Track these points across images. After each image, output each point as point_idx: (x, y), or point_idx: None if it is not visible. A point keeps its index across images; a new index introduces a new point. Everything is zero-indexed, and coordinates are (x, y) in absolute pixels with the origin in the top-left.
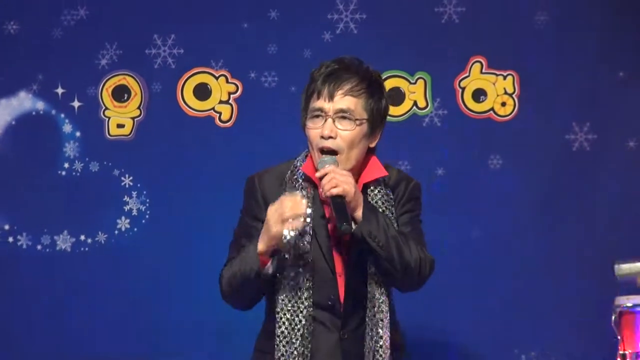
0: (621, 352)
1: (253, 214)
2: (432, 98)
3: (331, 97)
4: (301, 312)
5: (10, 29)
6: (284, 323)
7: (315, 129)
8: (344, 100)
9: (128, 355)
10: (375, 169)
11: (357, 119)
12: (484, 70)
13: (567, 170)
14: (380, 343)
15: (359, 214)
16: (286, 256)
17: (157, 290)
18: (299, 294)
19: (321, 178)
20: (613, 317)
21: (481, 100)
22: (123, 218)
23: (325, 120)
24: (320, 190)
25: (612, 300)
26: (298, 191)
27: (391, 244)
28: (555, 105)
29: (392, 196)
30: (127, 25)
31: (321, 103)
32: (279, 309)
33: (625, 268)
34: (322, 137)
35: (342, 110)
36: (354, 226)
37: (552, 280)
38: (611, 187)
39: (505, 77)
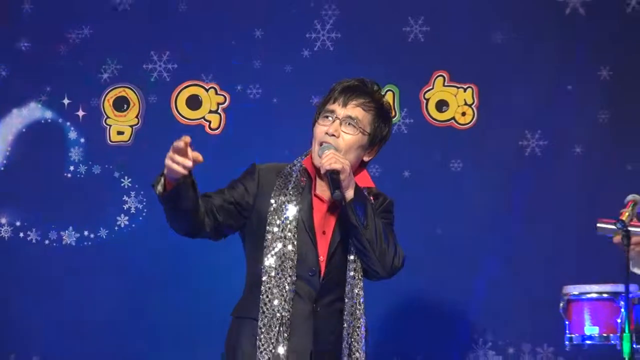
0: (568, 335)
1: (244, 182)
2: (399, 108)
3: (345, 105)
4: (286, 280)
5: (22, 47)
6: (269, 289)
7: (323, 126)
8: (355, 110)
9: (125, 339)
10: (365, 179)
11: (360, 128)
12: (446, 84)
13: (520, 173)
14: (359, 324)
15: (350, 193)
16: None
17: (153, 280)
18: (285, 264)
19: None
20: (561, 304)
21: (443, 110)
22: (122, 215)
23: (334, 121)
24: (320, 166)
25: (560, 289)
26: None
27: (374, 227)
28: (510, 114)
29: (374, 203)
30: (126, 42)
31: (335, 107)
32: (265, 278)
33: (603, 227)
34: (326, 133)
35: (350, 117)
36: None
37: (507, 272)
38: (560, 188)
39: (465, 90)
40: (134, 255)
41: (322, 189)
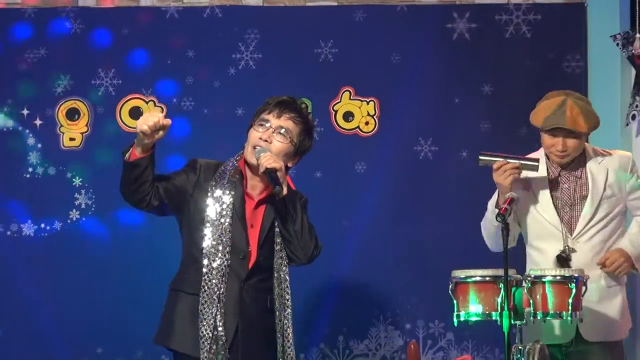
0: (456, 313)
1: (186, 172)
2: (312, 118)
3: (279, 116)
4: (222, 262)
5: None
6: (209, 270)
7: (257, 132)
8: (287, 122)
9: (77, 321)
10: (288, 182)
11: (290, 138)
12: (352, 97)
13: (415, 174)
14: (288, 305)
15: (285, 189)
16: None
17: (100, 265)
18: (220, 247)
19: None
20: (450, 286)
21: (350, 120)
22: (74, 210)
23: (268, 129)
24: (259, 165)
25: (449, 273)
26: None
27: (301, 219)
28: (406, 124)
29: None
30: (77, 61)
31: (270, 117)
32: (205, 261)
33: (484, 159)
34: (260, 138)
35: (282, 127)
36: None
37: (403, 259)
38: (449, 188)
39: (368, 103)
40: (84, 244)
41: (252, 187)
